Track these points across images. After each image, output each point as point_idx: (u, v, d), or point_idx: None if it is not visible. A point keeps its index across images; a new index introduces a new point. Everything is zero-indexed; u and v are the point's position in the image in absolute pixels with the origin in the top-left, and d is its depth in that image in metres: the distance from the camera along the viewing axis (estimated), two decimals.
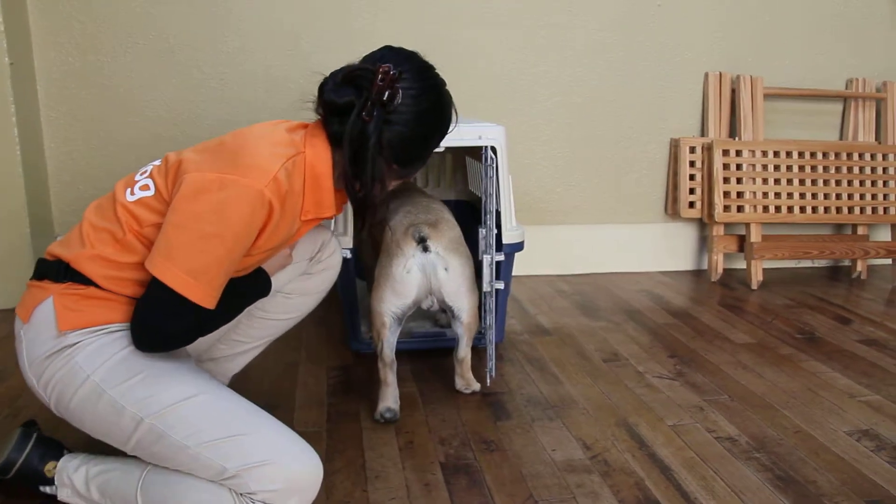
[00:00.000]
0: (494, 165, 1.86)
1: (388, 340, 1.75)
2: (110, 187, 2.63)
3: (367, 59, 1.42)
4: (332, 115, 1.38)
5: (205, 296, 1.24)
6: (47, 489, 1.41)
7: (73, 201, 2.67)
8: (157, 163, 1.42)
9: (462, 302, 1.78)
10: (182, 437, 1.24)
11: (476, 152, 2.23)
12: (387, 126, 1.37)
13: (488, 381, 1.92)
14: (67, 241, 1.37)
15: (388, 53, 1.42)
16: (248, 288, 1.44)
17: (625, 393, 1.92)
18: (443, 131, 1.49)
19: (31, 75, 2.54)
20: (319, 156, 1.38)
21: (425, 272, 1.73)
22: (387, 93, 1.34)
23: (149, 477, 1.32)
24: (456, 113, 1.50)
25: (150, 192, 1.34)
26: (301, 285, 1.68)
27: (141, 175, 1.40)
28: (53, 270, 1.32)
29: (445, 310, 1.81)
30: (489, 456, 1.58)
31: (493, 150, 2.00)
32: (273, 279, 1.52)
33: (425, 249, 1.73)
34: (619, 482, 1.49)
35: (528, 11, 2.81)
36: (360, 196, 1.42)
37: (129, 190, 1.37)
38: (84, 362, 1.27)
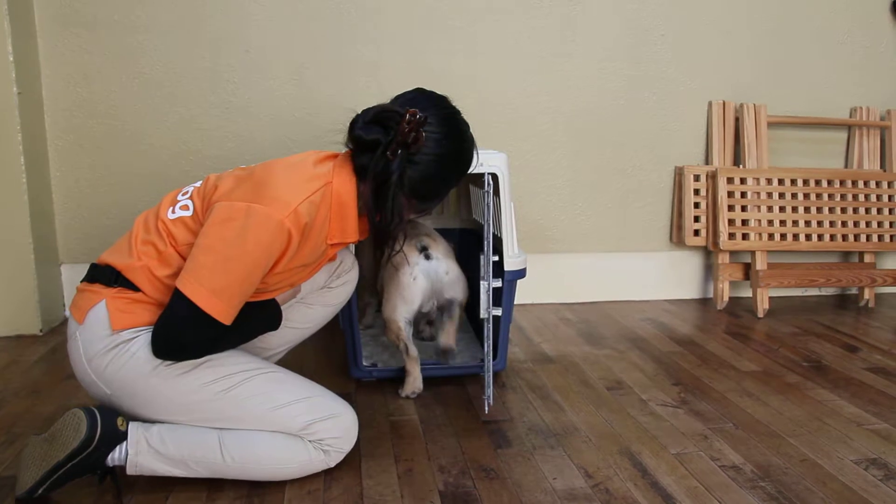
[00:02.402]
0: (492, 192, 1.87)
1: (409, 338, 1.98)
2: (116, 215, 2.70)
3: (397, 99, 1.56)
4: (360, 149, 1.50)
5: (223, 312, 1.38)
6: (115, 456, 1.43)
7: (78, 229, 2.69)
8: (198, 184, 1.56)
9: (456, 300, 2.02)
10: (258, 402, 1.47)
11: (479, 180, 2.24)
12: (409, 165, 1.48)
13: (486, 408, 1.90)
14: (118, 248, 1.51)
15: (419, 96, 1.55)
16: (262, 318, 1.59)
17: (628, 421, 1.89)
18: (461, 172, 1.60)
19: (39, 105, 2.57)
20: (345, 186, 1.50)
21: (429, 277, 1.95)
22: (412, 135, 1.45)
23: (225, 430, 1.48)
24: (477, 154, 1.62)
25: (189, 213, 1.49)
26: (322, 297, 1.84)
27: (183, 195, 1.54)
28: (105, 275, 1.47)
29: (442, 310, 2.03)
30: (489, 484, 1.56)
31: (494, 177, 2.01)
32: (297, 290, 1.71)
33: (427, 258, 1.95)
34: None
35: (531, 41, 2.84)
36: (379, 226, 1.54)
37: (171, 208, 1.51)
38: (147, 352, 1.41)
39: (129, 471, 1.44)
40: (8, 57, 2.36)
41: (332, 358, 2.35)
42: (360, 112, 1.52)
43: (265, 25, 2.66)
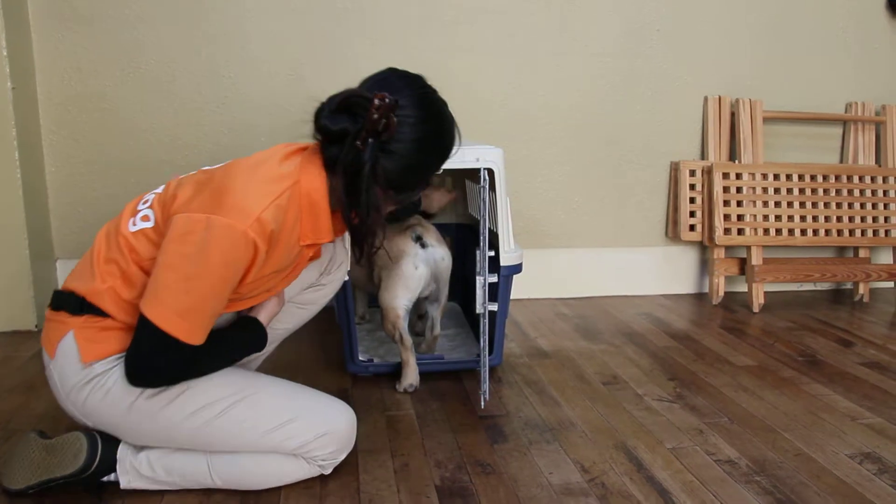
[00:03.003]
0: (488, 187, 1.87)
1: (405, 328, 2.00)
2: (111, 211, 2.69)
3: (367, 81, 1.41)
4: (328, 141, 1.37)
5: (191, 334, 1.30)
6: (111, 477, 1.44)
7: (73, 224, 2.68)
8: (159, 190, 1.45)
9: (446, 287, 2.12)
10: (244, 430, 1.40)
11: (475, 175, 2.24)
12: (383, 154, 1.35)
13: (482, 403, 1.90)
14: (80, 271, 1.42)
15: (390, 76, 1.41)
16: (246, 341, 1.51)
17: (624, 416, 1.89)
18: (442, 157, 1.46)
19: (34, 99, 2.56)
20: (314, 183, 1.38)
21: (429, 265, 2.02)
22: (382, 122, 1.31)
23: (214, 453, 1.44)
24: (459, 135, 1.47)
25: (150, 224, 1.39)
26: (312, 294, 1.76)
27: (143, 204, 1.44)
28: (69, 303, 1.38)
29: (431, 298, 2.12)
30: (485, 479, 1.56)
31: (490, 172, 2.01)
32: (286, 290, 1.62)
33: (423, 246, 2.02)
34: None
35: (527, 37, 2.84)
36: (356, 224, 1.41)
37: (131, 220, 1.41)
38: (122, 387, 1.34)
39: (123, 487, 1.45)
40: (2, 52, 2.35)
41: (328, 353, 2.35)
42: (325, 99, 1.38)
43: (262, 20, 2.65)
